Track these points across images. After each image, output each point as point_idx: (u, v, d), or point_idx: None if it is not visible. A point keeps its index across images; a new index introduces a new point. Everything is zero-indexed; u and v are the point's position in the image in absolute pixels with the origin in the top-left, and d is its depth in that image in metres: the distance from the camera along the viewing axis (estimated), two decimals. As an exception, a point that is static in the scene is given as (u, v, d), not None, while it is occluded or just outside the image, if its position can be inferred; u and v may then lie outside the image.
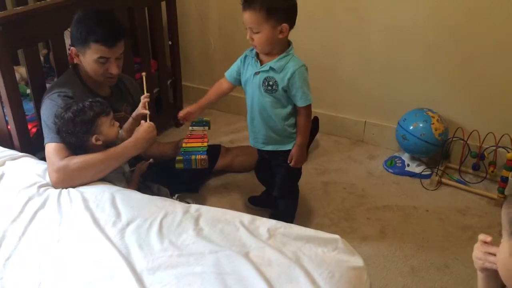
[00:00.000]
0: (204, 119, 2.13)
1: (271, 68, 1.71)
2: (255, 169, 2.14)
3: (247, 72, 1.80)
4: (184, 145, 1.97)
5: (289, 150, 1.85)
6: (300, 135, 1.81)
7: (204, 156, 1.88)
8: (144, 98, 1.84)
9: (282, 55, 1.70)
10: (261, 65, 1.74)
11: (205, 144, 1.96)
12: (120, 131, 1.85)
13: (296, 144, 1.82)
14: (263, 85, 1.74)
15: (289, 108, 1.77)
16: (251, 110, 1.85)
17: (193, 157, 1.88)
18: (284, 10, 1.63)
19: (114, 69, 1.82)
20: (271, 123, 1.81)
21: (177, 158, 1.89)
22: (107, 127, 1.74)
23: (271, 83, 1.72)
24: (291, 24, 1.68)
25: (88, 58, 1.78)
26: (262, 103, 1.78)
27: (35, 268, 1.32)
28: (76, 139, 1.71)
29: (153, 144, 1.95)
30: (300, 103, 1.73)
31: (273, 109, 1.77)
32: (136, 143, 1.75)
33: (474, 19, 2.25)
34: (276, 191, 2.00)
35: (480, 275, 0.97)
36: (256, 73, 1.75)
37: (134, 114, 1.89)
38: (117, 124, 1.79)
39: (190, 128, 2.07)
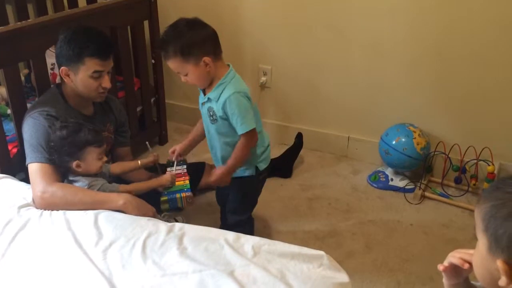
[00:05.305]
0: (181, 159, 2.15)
1: (209, 99, 1.69)
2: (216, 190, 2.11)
3: (199, 102, 1.79)
4: None
5: (240, 177, 1.81)
6: (231, 158, 1.74)
7: (189, 193, 1.89)
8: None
9: (218, 84, 1.67)
10: (204, 95, 1.74)
11: (187, 182, 1.95)
12: (107, 165, 1.85)
13: (226, 165, 1.76)
14: (208, 115, 1.73)
15: (235, 137, 1.72)
16: (207, 136, 1.84)
17: (177, 195, 1.89)
18: (196, 46, 1.60)
19: (107, 83, 1.82)
20: (220, 150, 1.79)
21: (162, 199, 1.88)
22: (93, 158, 1.72)
23: (211, 113, 1.70)
24: (213, 53, 1.63)
25: (82, 74, 1.77)
26: (212, 131, 1.77)
27: (14, 292, 1.29)
28: (58, 158, 1.69)
29: (133, 171, 1.96)
30: (239, 130, 1.66)
31: (220, 137, 1.75)
32: (125, 203, 1.68)
33: (452, 35, 2.30)
34: (228, 217, 1.96)
35: (446, 285, 0.98)
36: (203, 104, 1.75)
37: (141, 162, 1.95)
38: (104, 159, 1.77)
39: (169, 169, 2.05)
